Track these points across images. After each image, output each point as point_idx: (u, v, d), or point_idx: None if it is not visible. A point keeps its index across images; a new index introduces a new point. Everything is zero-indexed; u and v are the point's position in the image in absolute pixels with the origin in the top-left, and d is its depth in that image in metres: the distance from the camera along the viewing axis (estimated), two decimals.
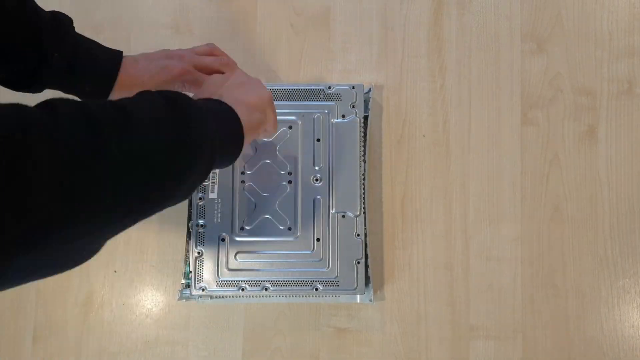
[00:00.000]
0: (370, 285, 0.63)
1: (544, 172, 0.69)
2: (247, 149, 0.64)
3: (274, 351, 0.66)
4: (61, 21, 0.53)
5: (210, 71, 0.59)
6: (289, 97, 0.65)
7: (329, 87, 0.65)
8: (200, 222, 0.62)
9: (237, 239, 0.63)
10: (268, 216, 0.63)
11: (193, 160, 0.41)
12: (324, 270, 0.62)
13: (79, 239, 0.35)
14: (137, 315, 0.67)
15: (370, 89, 0.67)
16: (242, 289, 0.62)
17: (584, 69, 0.70)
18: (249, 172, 0.64)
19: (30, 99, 0.69)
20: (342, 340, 0.66)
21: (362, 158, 0.64)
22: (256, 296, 0.63)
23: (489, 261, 0.67)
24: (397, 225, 0.68)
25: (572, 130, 0.69)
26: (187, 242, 0.64)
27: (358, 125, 0.64)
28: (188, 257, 0.63)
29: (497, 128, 0.69)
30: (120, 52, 0.57)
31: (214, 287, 0.62)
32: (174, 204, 0.42)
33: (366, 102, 0.66)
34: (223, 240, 0.62)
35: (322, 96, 0.65)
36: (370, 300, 0.63)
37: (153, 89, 0.54)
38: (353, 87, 0.65)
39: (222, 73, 0.60)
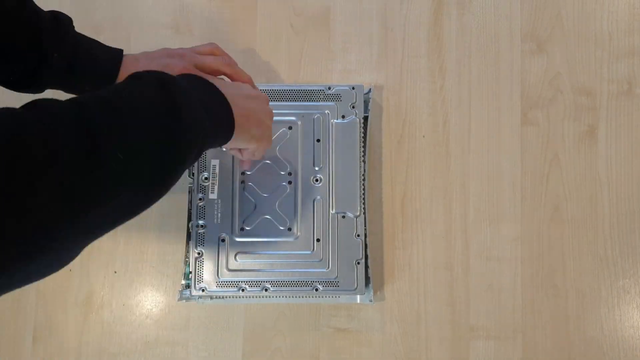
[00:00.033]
0: (370, 285, 0.63)
1: (544, 172, 0.69)
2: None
3: (274, 352, 0.66)
4: (61, 21, 0.53)
5: (211, 71, 0.59)
6: (288, 98, 0.65)
7: (329, 88, 0.65)
8: (200, 222, 0.62)
9: (237, 239, 0.63)
10: (268, 217, 0.63)
11: (183, 158, 0.41)
12: (324, 270, 0.62)
13: (74, 240, 0.35)
14: (137, 316, 0.67)
15: (370, 89, 0.67)
16: (242, 290, 0.62)
17: (584, 69, 0.70)
18: (248, 173, 0.64)
19: (31, 99, 0.69)
20: (342, 341, 0.66)
21: (362, 158, 0.64)
22: (256, 297, 0.63)
23: (489, 261, 0.67)
24: (397, 226, 0.68)
25: (572, 131, 0.69)
26: (187, 243, 0.64)
27: (358, 125, 0.64)
28: (188, 258, 0.63)
29: (497, 128, 0.69)
30: (121, 51, 0.56)
31: (214, 288, 0.62)
32: (158, 199, 0.42)
33: (366, 103, 0.66)
34: (223, 240, 0.62)
35: (322, 97, 0.65)
36: (370, 301, 0.63)
37: None
38: (353, 88, 0.65)
39: (224, 73, 0.60)
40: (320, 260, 0.62)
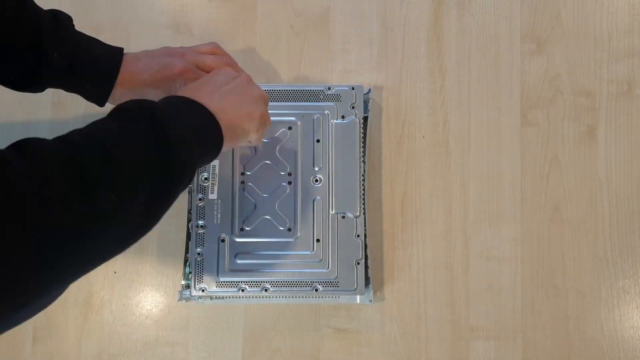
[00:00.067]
0: (370, 285, 0.63)
1: (544, 173, 0.69)
2: (245, 150, 0.64)
3: (273, 352, 0.66)
4: (61, 20, 0.53)
5: (211, 70, 0.59)
6: (288, 98, 0.65)
7: (329, 88, 0.65)
8: (200, 222, 0.62)
9: (237, 239, 0.63)
10: (268, 217, 0.63)
11: (174, 191, 0.43)
12: (324, 271, 0.62)
13: (62, 280, 0.37)
14: (137, 316, 0.67)
15: (369, 89, 0.67)
16: (242, 290, 0.62)
17: (584, 69, 0.70)
18: (248, 173, 0.64)
19: (31, 98, 0.69)
20: (342, 341, 0.66)
21: (362, 159, 0.64)
22: (256, 297, 0.63)
23: (489, 261, 0.67)
24: (396, 226, 0.68)
25: (571, 131, 0.69)
26: (187, 243, 0.64)
27: (358, 126, 0.64)
28: (188, 258, 0.63)
29: (497, 129, 0.69)
30: (121, 50, 0.56)
31: (214, 288, 0.62)
32: (150, 229, 0.43)
33: (366, 103, 0.66)
34: (223, 241, 0.62)
35: (321, 97, 0.65)
36: (370, 301, 0.63)
37: (153, 88, 0.54)
38: (353, 88, 0.65)
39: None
40: (320, 260, 0.62)
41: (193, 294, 0.62)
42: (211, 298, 0.63)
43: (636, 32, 0.70)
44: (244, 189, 0.63)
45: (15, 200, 0.32)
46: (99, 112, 0.72)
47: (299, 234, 0.63)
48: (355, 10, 0.71)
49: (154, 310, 0.67)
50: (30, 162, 0.34)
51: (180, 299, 0.63)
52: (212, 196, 0.63)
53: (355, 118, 0.64)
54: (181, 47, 0.59)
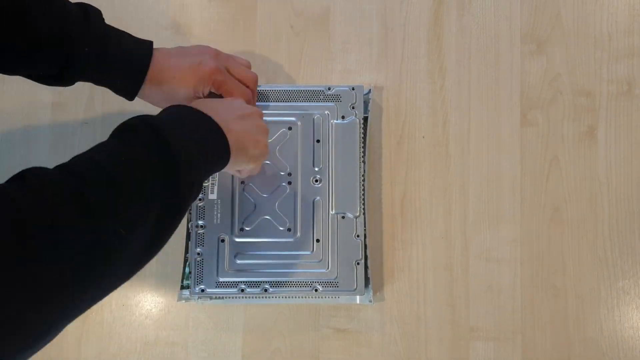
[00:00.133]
0: (370, 286, 0.63)
1: (544, 173, 0.69)
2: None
3: (273, 352, 0.66)
4: (90, 14, 0.52)
5: (239, 78, 0.59)
6: (288, 98, 0.65)
7: (329, 88, 0.65)
8: (200, 223, 0.62)
9: (237, 239, 0.63)
10: (268, 217, 0.63)
11: (181, 213, 0.43)
12: (324, 271, 0.62)
13: (66, 316, 0.36)
14: (136, 316, 0.67)
15: (370, 90, 0.67)
16: (242, 290, 0.62)
17: (584, 70, 0.70)
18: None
19: (31, 99, 0.69)
20: (342, 341, 0.66)
21: (362, 159, 0.64)
22: (256, 297, 0.63)
23: (489, 262, 0.67)
24: (396, 226, 0.68)
25: (571, 131, 0.69)
26: (187, 243, 0.64)
27: (358, 126, 0.64)
28: (188, 258, 0.63)
29: (497, 129, 0.69)
30: (151, 44, 0.55)
31: (214, 288, 0.62)
32: (159, 251, 0.43)
33: (366, 103, 0.66)
34: (222, 241, 0.62)
35: (321, 97, 0.65)
36: (370, 301, 0.63)
37: (182, 85, 0.54)
38: (353, 88, 0.65)
39: (247, 87, 0.60)
40: (320, 260, 0.62)
41: (193, 294, 0.62)
42: (211, 298, 0.63)
43: (636, 32, 0.70)
44: (243, 189, 0.63)
45: (17, 239, 0.31)
46: (99, 113, 0.72)
47: (298, 234, 0.63)
48: (355, 10, 0.71)
49: (153, 310, 0.67)
50: (32, 197, 0.33)
51: (180, 299, 0.63)
52: (212, 196, 0.63)
53: (355, 118, 0.64)
54: (216, 49, 0.59)
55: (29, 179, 0.35)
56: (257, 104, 0.64)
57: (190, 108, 0.48)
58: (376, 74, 0.71)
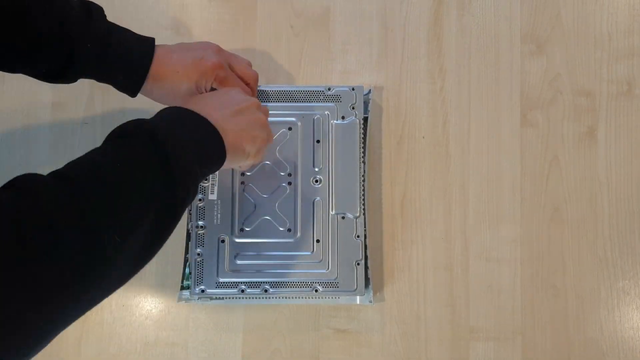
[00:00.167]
0: (370, 286, 0.63)
1: (544, 173, 0.69)
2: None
3: (273, 352, 0.66)
4: (92, 11, 0.52)
5: (240, 75, 0.59)
6: (288, 99, 0.65)
7: (329, 89, 0.65)
8: (200, 223, 0.62)
9: (237, 240, 0.63)
10: (268, 217, 0.63)
11: (178, 216, 0.43)
12: (324, 271, 0.62)
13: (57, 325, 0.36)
14: (136, 317, 0.67)
15: (370, 90, 0.67)
16: (242, 291, 0.62)
17: (584, 70, 0.70)
18: (248, 174, 0.64)
19: (31, 99, 0.69)
20: (342, 342, 0.66)
21: (362, 159, 0.64)
22: (256, 298, 0.63)
23: (489, 262, 0.67)
24: (396, 227, 0.68)
25: (571, 132, 0.69)
26: (187, 244, 0.64)
27: (358, 126, 0.64)
28: (188, 259, 0.63)
29: (497, 129, 0.69)
30: (153, 42, 0.55)
31: (214, 289, 0.62)
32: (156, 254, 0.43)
33: (366, 104, 0.66)
34: (223, 241, 0.62)
35: (321, 97, 0.65)
36: (370, 302, 0.63)
37: (184, 82, 0.54)
38: (353, 89, 0.65)
39: (247, 85, 0.60)
40: (320, 261, 0.62)
41: (193, 295, 0.62)
42: (211, 299, 0.63)
43: (636, 32, 0.70)
44: (243, 190, 0.63)
45: (17, 239, 0.31)
46: (99, 113, 0.72)
47: (298, 235, 0.63)
48: (355, 10, 0.71)
49: (153, 310, 0.67)
50: (28, 203, 0.33)
51: (180, 299, 0.63)
52: (212, 197, 0.63)
53: (356, 118, 0.64)
54: (217, 45, 0.59)
55: (23, 186, 0.35)
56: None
57: (185, 110, 0.47)
58: (376, 74, 0.71)
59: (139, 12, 0.71)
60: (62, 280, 0.33)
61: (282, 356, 0.66)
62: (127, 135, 0.42)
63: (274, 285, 0.62)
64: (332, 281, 0.62)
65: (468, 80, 0.70)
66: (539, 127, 0.69)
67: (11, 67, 0.51)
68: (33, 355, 0.34)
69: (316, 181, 0.64)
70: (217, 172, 0.63)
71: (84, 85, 0.56)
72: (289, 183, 0.64)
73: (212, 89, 0.57)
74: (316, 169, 0.64)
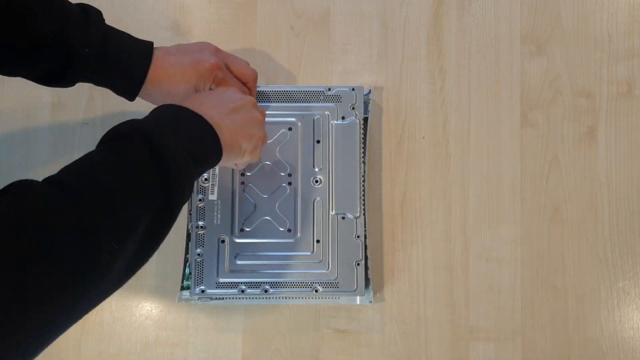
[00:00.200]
0: (370, 286, 0.63)
1: (544, 174, 0.69)
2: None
3: (273, 352, 0.66)
4: (90, 15, 0.52)
5: (238, 75, 0.59)
6: (288, 99, 0.65)
7: (329, 89, 0.65)
8: (200, 223, 0.62)
9: (237, 240, 0.63)
10: (268, 218, 0.63)
11: (173, 219, 0.43)
12: (324, 271, 0.62)
13: (55, 329, 0.36)
14: (136, 317, 0.67)
15: (370, 90, 0.67)
16: (242, 291, 0.62)
17: (584, 70, 0.70)
18: (248, 174, 0.64)
19: (31, 99, 0.69)
20: (342, 342, 0.66)
21: (362, 159, 0.64)
22: (256, 298, 0.63)
23: (489, 262, 0.67)
24: (396, 227, 0.68)
25: (571, 132, 0.69)
26: (187, 244, 0.64)
27: (358, 126, 0.64)
28: (188, 259, 0.63)
29: (497, 129, 0.69)
30: (151, 45, 0.55)
31: (214, 289, 0.62)
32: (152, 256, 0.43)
33: (366, 104, 0.66)
34: (223, 241, 0.62)
35: (322, 98, 0.65)
36: (370, 302, 0.63)
37: (182, 84, 0.54)
38: (353, 89, 0.65)
39: (246, 85, 0.60)
40: (320, 261, 0.62)
41: (193, 295, 0.62)
42: (211, 299, 0.63)
43: (636, 33, 0.70)
44: (244, 190, 0.63)
45: (9, 250, 0.31)
46: (99, 113, 0.72)
47: (299, 235, 0.63)
48: (355, 11, 0.71)
49: (153, 311, 0.67)
50: (23, 210, 0.33)
51: (180, 299, 0.63)
52: (212, 197, 0.63)
53: (356, 119, 0.64)
54: (215, 45, 0.59)
55: (19, 192, 0.34)
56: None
57: (180, 108, 0.47)
58: (376, 74, 0.71)
59: (139, 12, 0.71)
60: (61, 281, 0.33)
61: (282, 356, 0.66)
62: (121, 137, 0.42)
63: (274, 285, 0.62)
64: (332, 281, 0.62)
65: (468, 81, 0.70)
66: (539, 127, 0.69)
67: (11, 70, 0.51)
68: (35, 356, 0.34)
69: (316, 181, 0.64)
70: (217, 173, 0.63)
71: (84, 86, 0.56)
72: (289, 183, 0.64)
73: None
74: (316, 169, 0.64)
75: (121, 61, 0.53)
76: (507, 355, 0.66)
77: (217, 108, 0.50)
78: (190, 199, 0.64)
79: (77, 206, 0.35)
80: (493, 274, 0.67)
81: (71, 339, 0.67)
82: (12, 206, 0.33)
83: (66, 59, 0.50)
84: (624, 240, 0.67)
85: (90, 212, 0.36)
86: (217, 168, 0.63)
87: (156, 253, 0.67)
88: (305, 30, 0.71)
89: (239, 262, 0.62)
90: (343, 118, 0.64)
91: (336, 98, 0.65)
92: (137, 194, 0.39)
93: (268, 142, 0.64)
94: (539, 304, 0.67)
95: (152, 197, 0.40)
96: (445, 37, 0.71)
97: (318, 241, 0.63)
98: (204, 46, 0.58)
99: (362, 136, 0.64)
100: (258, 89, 0.64)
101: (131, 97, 0.56)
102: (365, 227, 0.63)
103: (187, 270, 0.63)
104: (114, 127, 0.42)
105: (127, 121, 0.43)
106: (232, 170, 0.64)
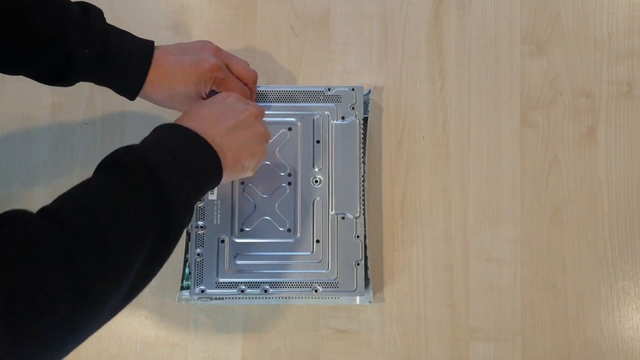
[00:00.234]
0: (370, 286, 0.63)
1: (544, 174, 0.69)
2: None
3: (273, 353, 0.66)
4: (90, 14, 0.52)
5: (238, 76, 0.59)
6: (288, 99, 0.65)
7: (329, 89, 0.65)
8: (200, 223, 0.62)
9: (237, 240, 0.63)
10: (267, 218, 0.63)
11: (169, 254, 0.42)
12: (324, 271, 0.62)
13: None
14: (136, 317, 0.67)
15: (370, 90, 0.67)
16: (242, 291, 0.62)
17: (584, 70, 0.70)
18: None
19: (31, 99, 0.69)
20: (342, 342, 0.66)
21: (362, 159, 0.64)
22: (256, 298, 0.63)
23: (489, 262, 0.67)
24: (396, 227, 0.68)
25: (571, 132, 0.69)
26: (187, 244, 0.64)
27: (358, 126, 0.64)
28: (187, 259, 0.63)
29: (497, 129, 0.69)
30: (152, 44, 0.55)
31: (214, 289, 0.62)
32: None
33: (366, 104, 0.66)
34: (222, 241, 0.62)
35: (321, 98, 0.65)
36: (370, 302, 0.63)
37: (183, 84, 0.54)
38: (353, 89, 0.65)
39: (246, 85, 0.59)
40: (320, 261, 0.62)
41: (193, 295, 0.62)
42: (211, 299, 0.63)
43: (636, 33, 0.70)
44: (243, 190, 0.63)
45: (6, 272, 0.31)
46: (99, 113, 0.72)
47: (298, 235, 0.63)
48: (355, 11, 0.71)
49: (153, 311, 0.67)
50: (15, 246, 0.32)
51: (180, 299, 0.63)
52: (212, 197, 0.63)
53: (355, 119, 0.64)
54: (216, 45, 0.58)
55: (12, 225, 0.34)
56: (257, 104, 0.64)
57: (182, 129, 0.46)
58: (376, 74, 0.71)
59: (139, 12, 0.71)
60: (51, 319, 0.33)
61: (282, 356, 0.66)
62: (118, 165, 0.41)
63: (273, 285, 0.62)
64: (332, 281, 0.62)
65: (468, 81, 0.70)
66: (539, 127, 0.69)
67: (11, 69, 0.51)
68: None
69: (316, 181, 0.64)
70: None
71: (84, 85, 0.56)
72: (289, 183, 0.64)
73: (212, 91, 0.57)
74: (316, 169, 0.64)
75: (121, 61, 0.53)
76: (507, 355, 0.66)
77: (219, 126, 0.49)
78: None
79: (72, 246, 0.34)
80: (493, 274, 0.67)
81: None
82: (6, 241, 0.32)
83: (66, 59, 0.50)
84: (624, 240, 0.67)
85: (85, 254, 0.35)
86: None
87: None
88: (305, 30, 0.71)
89: (238, 262, 0.62)
90: (343, 118, 0.64)
91: (336, 98, 0.65)
92: (135, 231, 0.39)
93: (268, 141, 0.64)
94: (539, 304, 0.67)
95: (150, 233, 0.39)
96: (445, 37, 0.71)
97: (318, 241, 0.63)
98: (204, 46, 0.58)
99: (362, 136, 0.64)
100: (258, 89, 0.64)
101: (132, 96, 0.56)
102: (365, 227, 0.63)
103: (186, 270, 0.63)
104: (113, 153, 0.42)
105: (125, 148, 0.43)
106: None
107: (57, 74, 0.52)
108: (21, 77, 0.53)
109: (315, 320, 0.67)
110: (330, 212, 0.63)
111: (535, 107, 0.70)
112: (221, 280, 0.62)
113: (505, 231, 0.68)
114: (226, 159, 0.48)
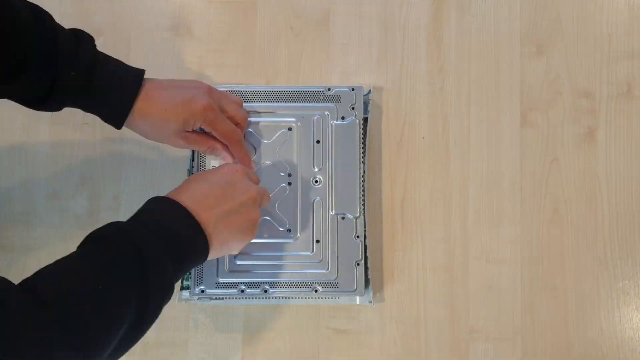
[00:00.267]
0: (370, 286, 0.63)
1: (544, 174, 0.69)
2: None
3: (273, 353, 0.66)
4: (81, 41, 0.52)
5: (230, 117, 0.59)
6: (288, 99, 0.65)
7: (329, 89, 0.65)
8: None
9: None
10: (267, 218, 0.63)
11: (139, 337, 0.44)
12: (324, 271, 0.62)
13: None
14: None
15: (369, 90, 0.67)
16: (242, 291, 0.62)
17: (584, 71, 0.70)
18: None
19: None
20: (342, 342, 0.66)
21: (362, 160, 0.64)
22: (256, 298, 0.63)
23: (489, 263, 0.67)
24: (396, 227, 0.68)
25: (571, 133, 0.69)
26: None
27: (357, 127, 0.64)
28: None
29: (497, 130, 0.70)
30: (142, 74, 0.54)
31: (214, 289, 0.62)
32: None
33: (366, 104, 0.66)
34: None
35: (321, 98, 0.65)
36: (370, 302, 0.63)
37: (171, 120, 0.53)
38: (352, 89, 0.65)
39: (237, 125, 0.59)
40: (320, 261, 0.62)
41: (192, 295, 0.62)
42: (211, 299, 0.63)
43: (636, 33, 0.70)
44: None
45: None
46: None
47: (298, 235, 0.63)
48: (355, 12, 0.71)
49: None
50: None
51: (180, 299, 0.63)
52: None
53: (355, 119, 0.64)
54: (209, 85, 0.58)
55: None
56: (256, 104, 0.64)
57: (173, 207, 0.46)
58: (376, 75, 0.71)
59: (139, 12, 0.71)
60: None
61: (282, 356, 0.66)
62: (105, 242, 0.42)
63: (273, 285, 0.62)
64: (331, 281, 0.62)
65: (468, 81, 0.70)
66: (539, 128, 0.69)
67: None
68: None
69: (316, 181, 0.64)
70: None
71: None
72: (289, 183, 0.64)
73: (201, 130, 0.57)
74: (316, 170, 0.64)
75: (108, 87, 0.52)
76: (507, 355, 0.66)
77: (216, 209, 0.48)
78: None
79: (50, 329, 0.35)
80: (493, 275, 0.67)
81: None
82: None
83: (52, 83, 0.50)
84: (624, 241, 0.67)
85: (62, 340, 0.35)
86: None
87: None
88: (305, 31, 0.71)
89: (238, 262, 0.62)
90: (343, 118, 0.64)
91: (336, 98, 0.65)
92: (114, 313, 0.39)
93: (268, 142, 0.64)
94: (539, 304, 0.67)
95: (128, 313, 0.40)
96: (445, 37, 0.71)
97: (318, 241, 0.63)
98: (197, 84, 0.58)
99: (362, 136, 0.65)
100: (258, 89, 0.64)
101: (118, 125, 0.55)
102: (365, 227, 0.63)
103: None
104: (100, 229, 0.42)
105: (114, 224, 0.43)
106: None
107: (42, 96, 0.51)
108: (7, 99, 0.52)
109: (315, 321, 0.67)
110: (330, 212, 0.63)
111: (535, 107, 0.70)
112: (221, 280, 0.62)
113: (505, 231, 0.68)
114: (214, 243, 0.48)
